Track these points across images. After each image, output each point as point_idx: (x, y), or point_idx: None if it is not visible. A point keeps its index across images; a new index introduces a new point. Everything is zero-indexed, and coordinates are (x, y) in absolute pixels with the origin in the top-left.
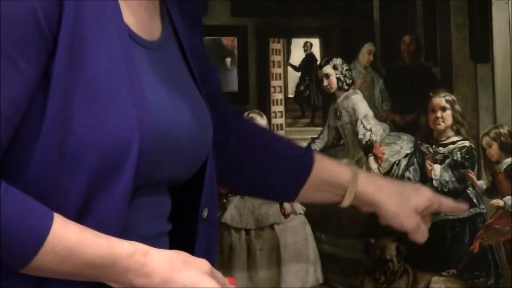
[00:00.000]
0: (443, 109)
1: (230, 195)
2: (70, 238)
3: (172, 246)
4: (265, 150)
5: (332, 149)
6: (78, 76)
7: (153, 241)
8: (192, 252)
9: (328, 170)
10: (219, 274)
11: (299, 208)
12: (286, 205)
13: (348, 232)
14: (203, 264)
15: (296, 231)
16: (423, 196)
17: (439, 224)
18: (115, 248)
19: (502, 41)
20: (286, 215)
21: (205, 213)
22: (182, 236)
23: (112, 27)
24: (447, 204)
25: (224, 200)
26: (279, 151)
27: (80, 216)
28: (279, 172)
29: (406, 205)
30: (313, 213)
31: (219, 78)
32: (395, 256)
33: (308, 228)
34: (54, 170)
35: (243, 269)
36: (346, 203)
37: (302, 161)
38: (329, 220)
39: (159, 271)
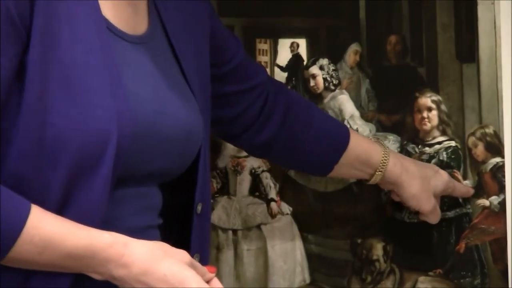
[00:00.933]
0: (429, 109)
1: (218, 195)
2: (48, 229)
3: (167, 241)
4: (306, 122)
5: None
6: (53, 69)
7: (140, 233)
8: (188, 246)
9: (362, 148)
10: (198, 264)
11: (286, 208)
12: (273, 206)
13: (335, 232)
14: (183, 254)
15: (283, 231)
16: (441, 179)
17: (425, 224)
18: (94, 239)
19: (488, 41)
20: (273, 216)
21: (199, 208)
22: (177, 231)
23: (89, 20)
24: (460, 188)
25: (212, 201)
26: (319, 125)
27: (61, 208)
28: (318, 146)
29: (426, 187)
30: (300, 213)
31: (243, 51)
32: (381, 256)
33: (295, 228)
34: (34, 162)
35: (230, 269)
36: (374, 181)
37: (340, 137)
38: (316, 220)
39: (138, 261)
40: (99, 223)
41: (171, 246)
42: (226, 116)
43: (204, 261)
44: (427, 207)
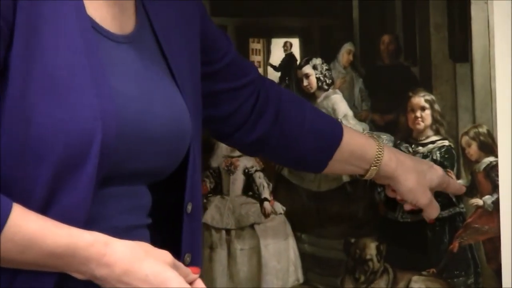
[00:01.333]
0: (423, 108)
1: (211, 195)
2: (30, 228)
3: (157, 241)
4: (298, 119)
5: None
6: (36, 68)
7: (126, 233)
8: (179, 247)
9: (356, 143)
10: (181, 265)
11: (279, 208)
12: (267, 205)
13: (328, 232)
14: (165, 255)
15: (276, 231)
16: (436, 173)
17: (418, 224)
18: (75, 238)
19: (481, 41)
20: (266, 215)
21: (189, 208)
22: (167, 231)
23: (73, 19)
24: (454, 185)
25: (205, 200)
26: (312, 121)
27: (45, 207)
28: (311, 143)
29: (422, 181)
30: (294, 213)
31: (234, 50)
32: (375, 255)
33: (288, 228)
34: (18, 161)
35: (223, 269)
36: (369, 176)
37: (333, 133)
38: (310, 220)
39: (120, 261)
40: (83, 222)
41: (153, 246)
42: (218, 115)
43: (196, 261)
44: (424, 200)
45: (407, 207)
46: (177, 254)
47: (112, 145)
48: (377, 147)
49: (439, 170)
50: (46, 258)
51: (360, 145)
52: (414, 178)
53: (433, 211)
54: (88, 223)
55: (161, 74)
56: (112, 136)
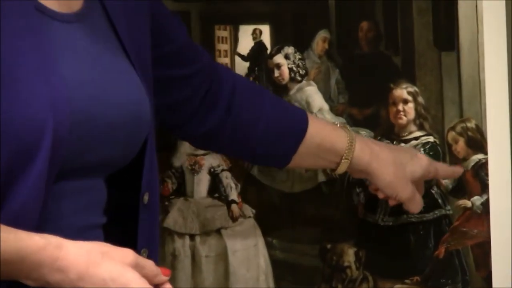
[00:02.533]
0: (405, 101)
1: (173, 196)
2: None
3: (112, 236)
4: (255, 110)
5: None
6: None
7: (81, 234)
8: (135, 240)
9: (323, 135)
10: (148, 263)
11: (248, 211)
12: (234, 208)
13: (302, 236)
14: (126, 254)
15: (245, 236)
16: (419, 164)
17: (401, 227)
18: (24, 242)
19: (469, 27)
20: (234, 219)
21: (146, 198)
22: (123, 225)
23: (15, 2)
24: (443, 169)
25: (166, 203)
26: (271, 112)
27: None
28: (271, 136)
29: (401, 174)
30: (264, 216)
31: (186, 35)
32: (353, 262)
33: (258, 232)
34: None
35: (187, 278)
36: (340, 170)
37: (296, 125)
38: (282, 223)
39: (74, 265)
40: (35, 222)
41: (112, 246)
42: (165, 103)
43: (153, 257)
44: (404, 194)
45: (390, 202)
46: (132, 249)
47: (64, 137)
48: (348, 138)
49: (423, 159)
50: None
51: (328, 137)
52: (392, 171)
53: (414, 206)
54: (40, 223)
55: (114, 54)
56: (64, 126)
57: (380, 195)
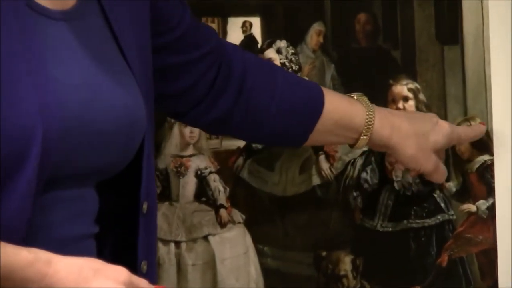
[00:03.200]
0: (405, 99)
1: (157, 201)
2: None
3: (108, 246)
4: (267, 90)
5: (276, 147)
6: None
7: (72, 245)
8: (133, 251)
9: (341, 111)
10: (142, 282)
11: (238, 216)
12: (223, 213)
13: (295, 244)
14: (119, 272)
15: (234, 243)
16: (441, 132)
17: (401, 233)
18: (10, 257)
19: (473, 20)
20: (222, 225)
21: (145, 207)
22: (118, 238)
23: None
24: (465, 134)
25: None
26: (285, 91)
27: None
28: (286, 116)
29: (424, 146)
30: (255, 222)
31: (190, 17)
32: (350, 271)
33: (248, 239)
34: None
35: None
36: (360, 146)
37: (312, 102)
38: (274, 230)
39: (64, 282)
40: (23, 234)
41: (105, 263)
42: (171, 91)
43: (152, 269)
44: (428, 167)
45: (412, 174)
46: (132, 262)
47: (54, 143)
48: (367, 113)
49: (445, 127)
50: None
51: (345, 112)
52: (414, 143)
53: (439, 177)
54: (29, 235)
55: (109, 54)
56: (54, 132)
57: (400, 167)
